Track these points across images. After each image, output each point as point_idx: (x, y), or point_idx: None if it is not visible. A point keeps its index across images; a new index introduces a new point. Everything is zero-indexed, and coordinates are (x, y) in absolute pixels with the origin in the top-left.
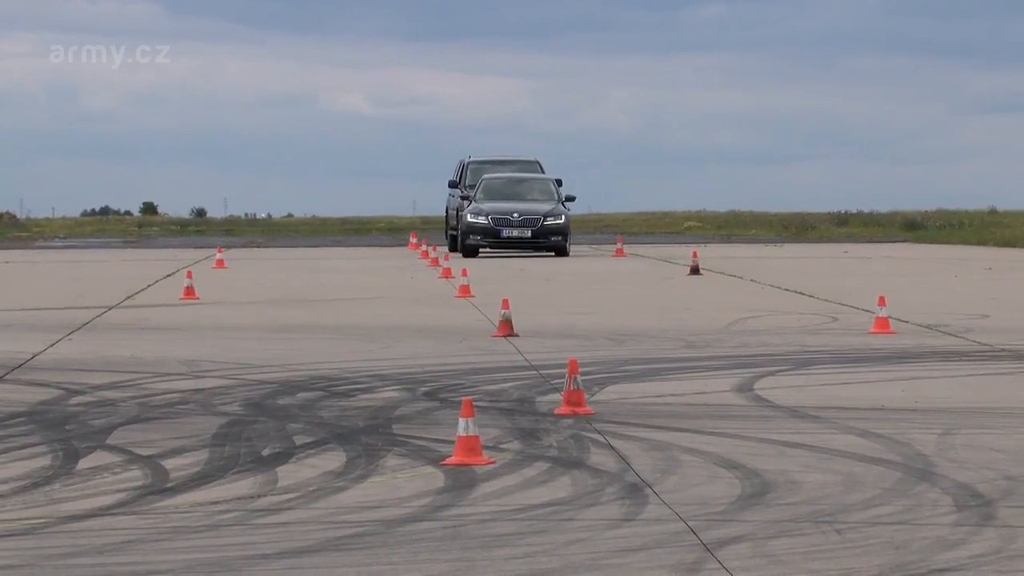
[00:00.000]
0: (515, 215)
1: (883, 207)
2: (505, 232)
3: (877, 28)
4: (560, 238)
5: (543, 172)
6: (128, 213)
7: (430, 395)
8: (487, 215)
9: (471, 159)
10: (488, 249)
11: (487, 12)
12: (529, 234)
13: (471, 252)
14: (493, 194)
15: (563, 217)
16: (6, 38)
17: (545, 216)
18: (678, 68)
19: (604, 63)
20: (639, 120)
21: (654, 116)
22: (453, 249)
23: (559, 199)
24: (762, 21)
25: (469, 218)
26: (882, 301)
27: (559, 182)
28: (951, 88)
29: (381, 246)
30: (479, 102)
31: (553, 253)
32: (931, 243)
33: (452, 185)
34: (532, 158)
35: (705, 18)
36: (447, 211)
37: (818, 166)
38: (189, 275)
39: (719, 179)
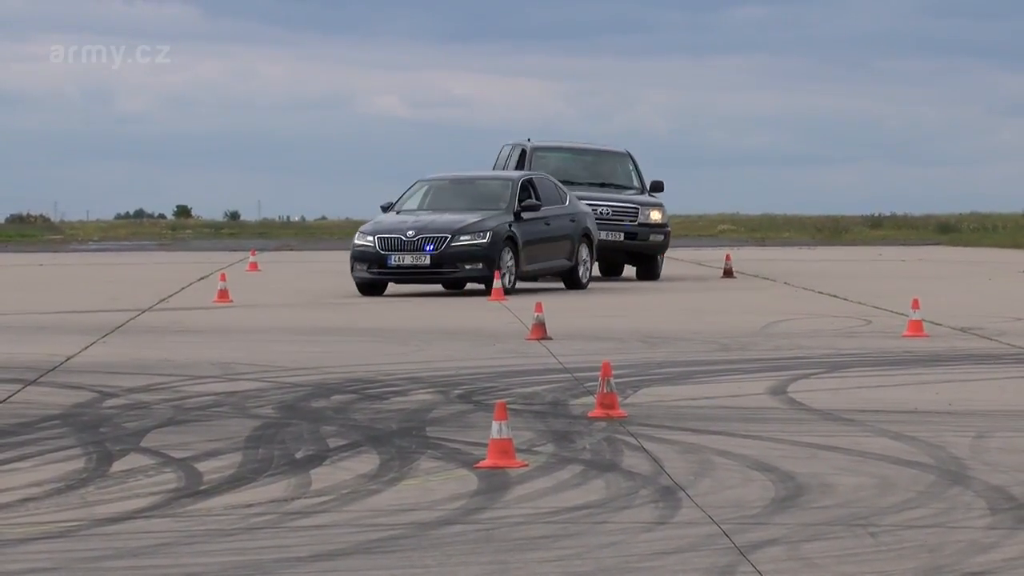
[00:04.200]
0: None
1: (917, 209)
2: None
3: (912, 30)
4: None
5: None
6: (162, 216)
7: (463, 398)
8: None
9: (532, 145)
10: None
11: (522, 14)
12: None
13: (368, 288)
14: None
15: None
16: (40, 40)
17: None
18: (713, 70)
19: (639, 65)
20: (673, 122)
21: (689, 118)
22: None
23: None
24: (797, 23)
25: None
26: (916, 304)
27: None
28: (986, 90)
29: None
30: (514, 104)
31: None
32: (965, 246)
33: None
34: (621, 149)
35: (740, 20)
36: None
37: (852, 168)
38: (223, 278)
39: (753, 181)
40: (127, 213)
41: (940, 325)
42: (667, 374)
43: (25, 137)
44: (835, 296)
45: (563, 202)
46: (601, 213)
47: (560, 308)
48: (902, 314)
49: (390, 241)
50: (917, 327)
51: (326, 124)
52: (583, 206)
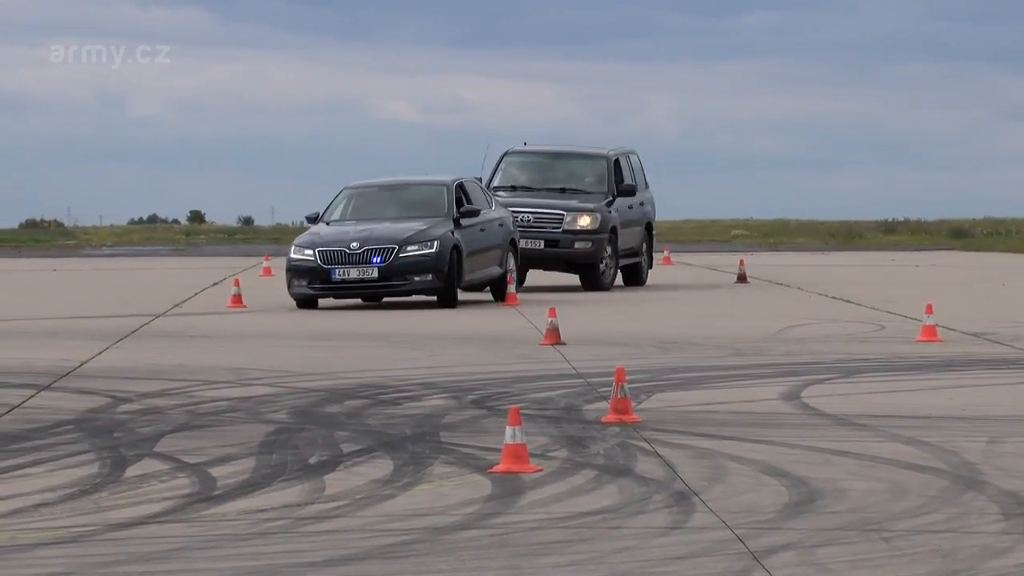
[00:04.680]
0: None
1: (930, 215)
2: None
3: (921, 34)
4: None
5: (612, 169)
6: (175, 221)
7: (477, 403)
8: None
9: (508, 149)
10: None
11: (532, 18)
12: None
13: (305, 303)
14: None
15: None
16: (50, 45)
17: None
18: (723, 74)
19: (649, 69)
20: (685, 126)
21: (700, 123)
22: None
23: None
24: (806, 28)
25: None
26: (929, 309)
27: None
28: (997, 94)
29: None
30: (525, 108)
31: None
32: (978, 251)
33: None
34: (603, 151)
35: (749, 24)
36: None
37: (865, 173)
38: (236, 283)
39: (765, 186)
40: (141, 218)
41: (954, 330)
42: (680, 379)
43: (38, 142)
44: (848, 301)
45: (490, 206)
46: (522, 220)
47: (574, 313)
48: (916, 319)
49: (333, 254)
50: (931, 332)
51: (338, 129)
52: (506, 211)
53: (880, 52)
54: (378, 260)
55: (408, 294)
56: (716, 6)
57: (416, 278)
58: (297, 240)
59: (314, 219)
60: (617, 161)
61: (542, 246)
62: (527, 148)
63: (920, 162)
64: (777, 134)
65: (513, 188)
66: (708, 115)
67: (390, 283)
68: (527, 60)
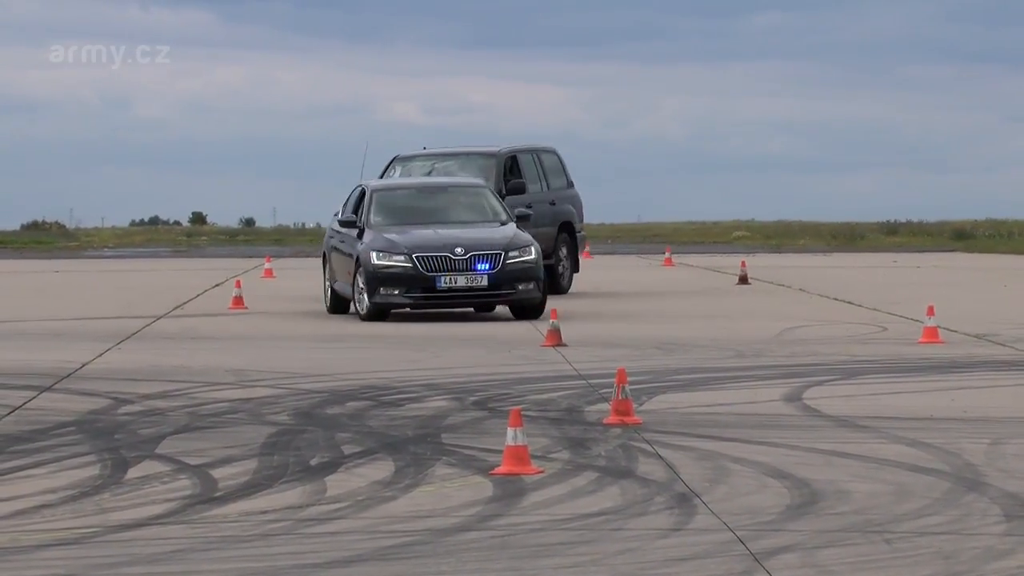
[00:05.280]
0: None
1: (933, 216)
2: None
3: (928, 37)
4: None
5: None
6: (177, 223)
7: (479, 404)
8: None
9: (398, 154)
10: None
11: (540, 21)
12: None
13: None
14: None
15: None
16: (53, 47)
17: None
18: (730, 76)
19: (657, 72)
20: (691, 128)
21: (705, 124)
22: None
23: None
24: (814, 30)
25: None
26: (931, 311)
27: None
28: (1002, 97)
29: None
30: (532, 111)
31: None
32: (981, 253)
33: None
34: (494, 148)
35: (758, 27)
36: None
37: (867, 175)
38: (238, 284)
39: (768, 188)
40: (142, 220)
41: (955, 332)
42: (682, 381)
43: (40, 144)
44: (850, 303)
45: None
46: None
47: (575, 315)
48: (917, 321)
49: (436, 260)
50: (932, 334)
51: (343, 130)
52: None
53: (887, 55)
54: (487, 267)
55: (511, 304)
56: (722, 8)
57: (520, 286)
58: (371, 244)
59: (351, 223)
60: (513, 159)
61: None
62: (413, 152)
63: (926, 164)
64: (781, 136)
65: None
66: (714, 117)
67: (499, 292)
68: (534, 62)
